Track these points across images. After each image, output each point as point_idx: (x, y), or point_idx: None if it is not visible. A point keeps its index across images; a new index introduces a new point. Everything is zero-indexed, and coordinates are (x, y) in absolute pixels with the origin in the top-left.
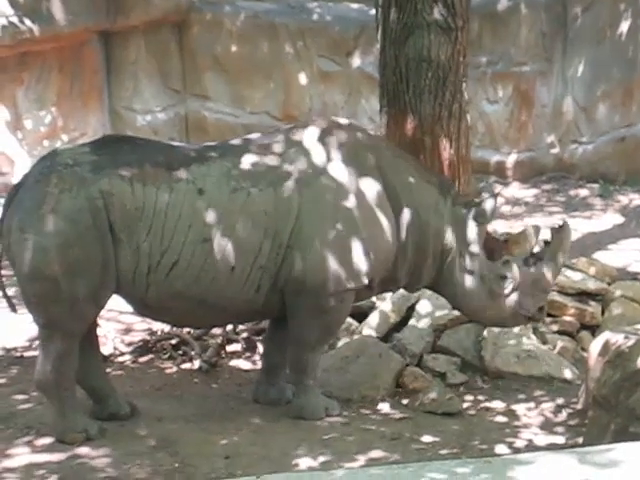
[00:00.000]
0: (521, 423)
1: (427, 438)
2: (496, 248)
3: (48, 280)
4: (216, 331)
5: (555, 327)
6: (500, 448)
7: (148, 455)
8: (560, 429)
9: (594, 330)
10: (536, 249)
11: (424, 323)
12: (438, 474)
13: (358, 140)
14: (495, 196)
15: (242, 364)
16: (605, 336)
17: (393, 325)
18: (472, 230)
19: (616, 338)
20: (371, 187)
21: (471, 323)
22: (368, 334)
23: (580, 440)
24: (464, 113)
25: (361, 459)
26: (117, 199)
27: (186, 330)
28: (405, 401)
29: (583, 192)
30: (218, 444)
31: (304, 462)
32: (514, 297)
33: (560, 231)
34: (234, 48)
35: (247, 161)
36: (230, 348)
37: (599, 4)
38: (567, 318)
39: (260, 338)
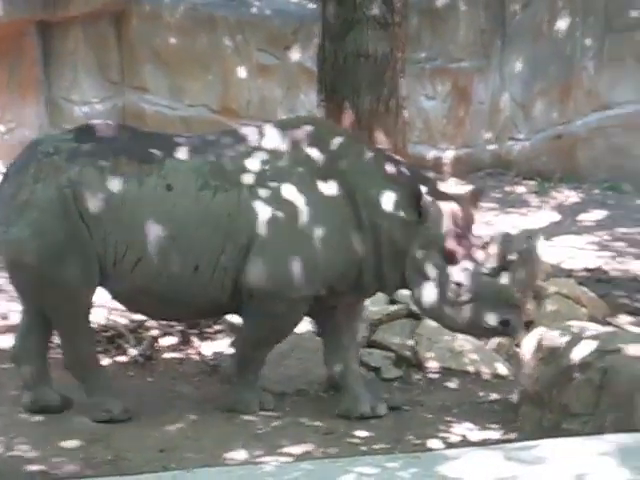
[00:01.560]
0: (455, 418)
1: (361, 433)
2: (462, 253)
3: (28, 269)
4: (151, 324)
5: None
6: (434, 443)
7: (81, 448)
8: (494, 425)
9: (528, 326)
10: (506, 259)
11: None
12: (368, 468)
13: (327, 141)
14: (454, 197)
15: (177, 357)
16: (539, 332)
17: None
18: (427, 232)
19: (550, 335)
20: (333, 193)
21: (406, 318)
22: (304, 329)
23: (513, 436)
24: (401, 109)
25: (294, 453)
26: (85, 189)
27: (122, 322)
28: None
29: (519, 189)
30: (152, 437)
31: (238, 456)
32: (472, 307)
33: (530, 243)
34: (173, 40)
35: (219, 159)
36: (165, 341)
37: (537, 2)
38: None
39: (195, 332)
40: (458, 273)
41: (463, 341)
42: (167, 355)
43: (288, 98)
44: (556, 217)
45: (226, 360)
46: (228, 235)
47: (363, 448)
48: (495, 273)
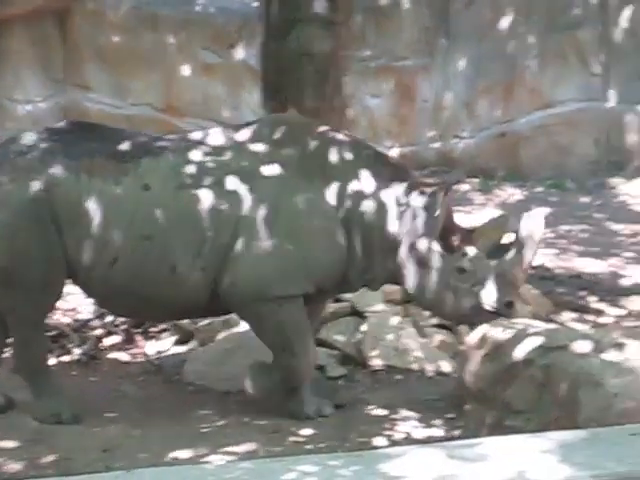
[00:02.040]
0: (400, 416)
1: (306, 431)
2: (458, 239)
3: None
4: (95, 323)
5: (434, 320)
6: (378, 441)
7: (24, 448)
8: (438, 422)
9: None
10: (504, 240)
11: None
12: (309, 467)
13: (308, 138)
14: (449, 185)
15: (121, 357)
16: (482, 329)
17: None
18: (424, 221)
19: (493, 332)
20: (317, 189)
21: (351, 316)
22: (248, 327)
23: (457, 433)
24: (345, 107)
25: (239, 452)
26: (61, 190)
27: (65, 322)
28: None
29: (464, 187)
30: (96, 437)
31: (182, 455)
32: (476, 291)
33: (530, 221)
34: (116, 39)
35: (198, 158)
36: (109, 340)
37: (481, 0)
38: None
39: (139, 331)
40: (460, 259)
41: (407, 339)
42: (111, 355)
43: (232, 97)
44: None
45: (168, 359)
46: (207, 235)
47: (308, 447)
48: (495, 255)
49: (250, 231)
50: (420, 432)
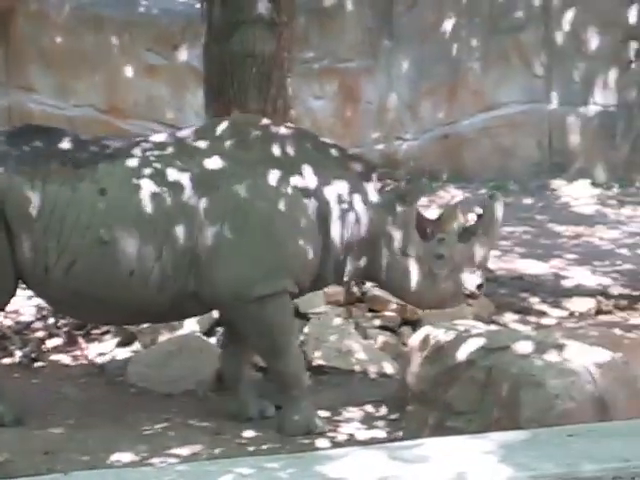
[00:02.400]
0: (342, 417)
1: (249, 433)
2: (428, 227)
3: None
4: (37, 325)
5: (377, 322)
6: (321, 442)
7: None
8: (381, 423)
9: (415, 325)
10: (468, 224)
11: None
12: (246, 469)
13: (272, 136)
14: (418, 177)
15: (63, 359)
16: (425, 331)
17: (215, 320)
18: (401, 212)
19: (435, 333)
20: (287, 187)
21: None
22: (190, 329)
23: (400, 434)
24: (288, 108)
25: (181, 454)
26: (14, 195)
27: (7, 324)
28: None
29: None
30: (38, 439)
31: (124, 457)
32: (453, 276)
33: (491, 203)
34: (59, 40)
35: (155, 161)
36: (51, 343)
37: (423, 2)
38: (388, 313)
39: (82, 333)
40: (437, 246)
41: (350, 340)
42: (53, 357)
43: (176, 98)
44: None
45: (111, 362)
46: (168, 238)
47: (250, 448)
48: (466, 239)
49: (219, 231)
50: (363, 433)
